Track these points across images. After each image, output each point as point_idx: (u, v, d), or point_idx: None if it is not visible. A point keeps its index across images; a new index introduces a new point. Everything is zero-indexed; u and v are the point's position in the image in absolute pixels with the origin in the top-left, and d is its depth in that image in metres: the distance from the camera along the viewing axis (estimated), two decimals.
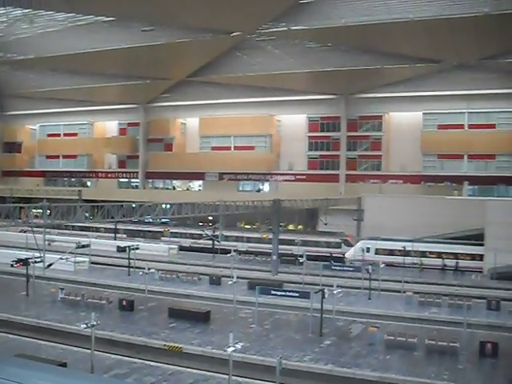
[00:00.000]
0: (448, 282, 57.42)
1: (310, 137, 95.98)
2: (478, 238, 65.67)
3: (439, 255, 66.68)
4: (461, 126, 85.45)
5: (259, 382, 28.61)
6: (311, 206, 71.06)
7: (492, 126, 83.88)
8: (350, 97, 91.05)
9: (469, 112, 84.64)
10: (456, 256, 66.00)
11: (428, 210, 72.45)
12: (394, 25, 62.44)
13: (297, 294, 41.07)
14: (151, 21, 67.95)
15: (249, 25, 68.26)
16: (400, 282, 51.59)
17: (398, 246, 66.54)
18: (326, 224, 79.42)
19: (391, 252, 67.39)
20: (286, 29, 67.26)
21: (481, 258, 64.70)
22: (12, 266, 47.81)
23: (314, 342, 35.71)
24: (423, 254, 66.58)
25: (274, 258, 60.23)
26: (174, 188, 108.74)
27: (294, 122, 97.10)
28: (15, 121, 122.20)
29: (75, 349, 33.21)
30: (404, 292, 49.23)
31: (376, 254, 67.24)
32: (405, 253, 65.25)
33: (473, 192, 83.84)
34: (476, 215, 65.69)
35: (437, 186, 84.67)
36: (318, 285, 46.18)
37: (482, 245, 65.14)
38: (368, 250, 68.19)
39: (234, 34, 70.71)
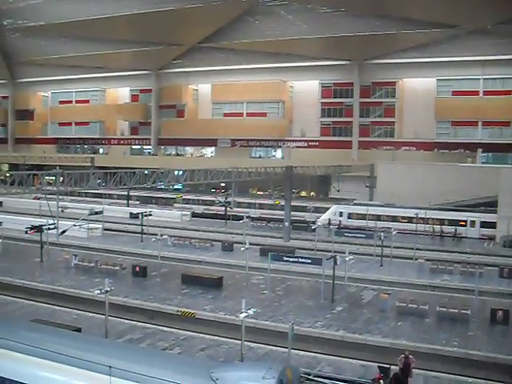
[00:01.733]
0: (460, 249, 57.28)
1: (322, 103, 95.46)
2: (491, 206, 65.43)
3: (410, 220, 66.44)
4: (475, 93, 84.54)
5: (271, 347, 28.85)
6: (323, 172, 70.83)
7: (508, 93, 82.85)
8: (364, 63, 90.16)
9: (484, 78, 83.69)
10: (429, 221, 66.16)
11: (441, 177, 72.10)
12: None
13: (309, 261, 41.18)
14: None
15: None
16: (412, 249, 51.52)
17: (370, 210, 67.99)
18: (338, 191, 79.45)
19: (363, 216, 68.13)
20: None
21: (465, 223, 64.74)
22: (26, 232, 48.18)
23: (326, 308, 35.87)
24: (395, 219, 66.82)
25: (287, 224, 60.30)
26: (177, 154, 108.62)
27: (306, 88, 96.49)
28: (27, 88, 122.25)
29: (89, 314, 33.60)
30: (416, 259, 49.23)
31: (349, 218, 68.75)
32: (377, 217, 66.65)
33: (487, 159, 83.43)
34: (490, 183, 65.42)
35: (450, 154, 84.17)
36: (330, 251, 46.31)
37: (472, 211, 65.96)
38: (341, 214, 69.50)
39: None
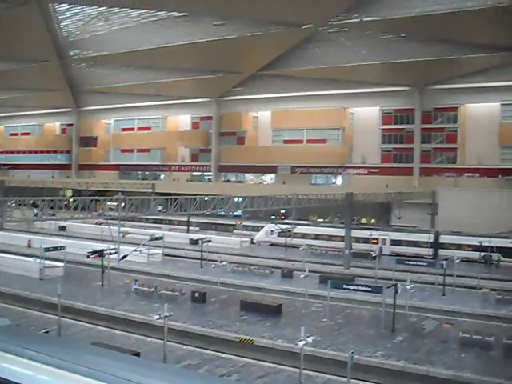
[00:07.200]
0: None
1: (383, 129, 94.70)
2: None
3: (330, 238, 71.98)
4: None
5: (330, 376, 28.37)
6: (384, 199, 70.16)
7: None
8: (425, 88, 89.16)
9: None
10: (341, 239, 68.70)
11: (506, 204, 70.46)
12: (470, 13, 60.56)
13: (369, 289, 40.49)
14: (223, 15, 68.42)
15: (320, 17, 67.78)
16: (476, 278, 50.20)
17: (296, 229, 73.05)
18: (399, 218, 78.40)
19: (290, 234, 72.82)
20: (358, 20, 66.39)
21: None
22: (88, 257, 49.01)
23: (386, 337, 35.16)
24: (318, 237, 72.91)
25: (347, 251, 59.70)
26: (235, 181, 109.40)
27: (366, 115, 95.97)
28: (91, 116, 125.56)
29: (148, 339, 33.75)
30: (480, 289, 47.89)
31: (279, 236, 73.57)
32: (302, 235, 72.89)
33: None
34: None
35: None
36: (390, 279, 45.50)
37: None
38: (272, 232, 73.63)
39: (305, 26, 70.34)
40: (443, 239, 66.57)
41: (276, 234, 74.26)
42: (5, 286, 46.72)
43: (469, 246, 64.71)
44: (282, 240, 72.55)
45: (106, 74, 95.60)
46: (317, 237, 72.65)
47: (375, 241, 68.25)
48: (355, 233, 65.69)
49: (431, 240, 66.86)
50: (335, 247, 68.41)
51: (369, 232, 69.01)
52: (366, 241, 68.01)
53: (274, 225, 76.67)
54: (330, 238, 71.76)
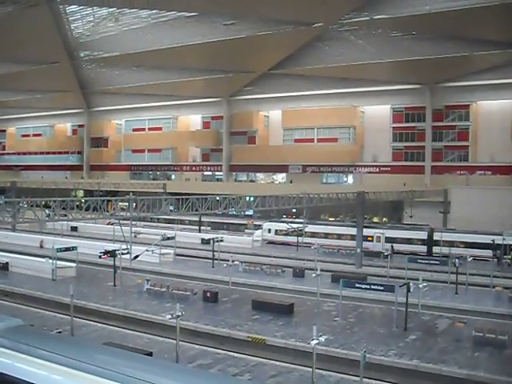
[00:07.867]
0: None
1: (394, 128, 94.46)
2: None
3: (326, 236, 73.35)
4: None
5: (342, 375, 28.28)
6: (396, 198, 69.92)
7: None
8: (436, 86, 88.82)
9: None
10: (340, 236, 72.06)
11: None
12: (481, 9, 60.08)
13: (381, 288, 40.29)
14: (233, 14, 68.39)
15: (330, 15, 67.57)
16: (489, 276, 49.92)
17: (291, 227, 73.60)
18: (411, 216, 78.10)
19: (286, 233, 74.62)
20: (368, 18, 66.14)
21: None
22: (100, 257, 49.12)
23: (399, 336, 35.01)
24: (314, 235, 72.94)
25: (358, 250, 59.54)
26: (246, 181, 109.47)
27: (377, 113, 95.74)
28: (102, 116, 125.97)
29: (160, 339, 33.77)
30: (493, 287, 47.63)
31: (276, 234, 76.51)
32: (298, 233, 72.54)
33: None
34: None
35: None
36: (403, 278, 45.33)
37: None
38: (269, 230, 76.16)
39: (315, 25, 70.13)
40: (437, 236, 66.68)
41: (273, 232, 75.96)
42: (17, 287, 47.03)
43: (462, 242, 64.70)
44: (280, 238, 74.80)
45: (117, 74, 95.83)
46: (313, 235, 72.94)
47: (370, 238, 68.14)
48: (353, 231, 65.93)
49: (425, 237, 67.92)
50: (333, 245, 69.91)
51: (368, 230, 68.08)
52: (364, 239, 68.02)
53: (272, 223, 78.15)
54: (327, 235, 73.20)
